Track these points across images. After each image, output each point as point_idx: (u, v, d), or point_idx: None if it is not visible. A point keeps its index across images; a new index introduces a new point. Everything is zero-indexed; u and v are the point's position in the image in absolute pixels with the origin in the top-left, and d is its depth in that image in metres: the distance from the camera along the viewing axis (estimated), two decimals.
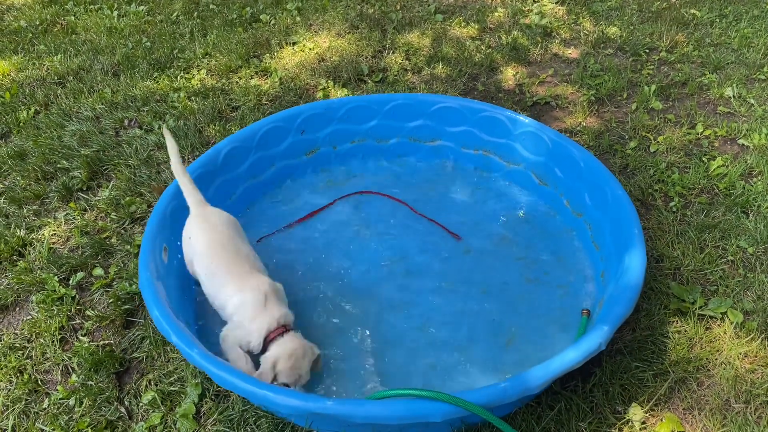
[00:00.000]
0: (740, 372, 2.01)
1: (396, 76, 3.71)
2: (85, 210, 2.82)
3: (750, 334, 2.11)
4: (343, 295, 2.34)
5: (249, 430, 1.89)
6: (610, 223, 2.32)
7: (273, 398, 1.68)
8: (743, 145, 3.00)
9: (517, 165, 2.79)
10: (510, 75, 3.72)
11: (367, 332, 2.21)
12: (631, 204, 2.26)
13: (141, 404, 2.00)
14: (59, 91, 3.75)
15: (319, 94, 3.55)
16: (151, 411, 1.98)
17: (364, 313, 2.28)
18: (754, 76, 3.53)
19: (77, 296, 2.40)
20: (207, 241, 2.12)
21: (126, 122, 3.40)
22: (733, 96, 3.35)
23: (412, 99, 2.92)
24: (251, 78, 3.78)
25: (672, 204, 2.67)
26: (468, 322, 2.24)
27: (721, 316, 2.18)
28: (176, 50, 4.14)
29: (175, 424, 1.93)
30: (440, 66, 3.78)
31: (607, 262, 2.28)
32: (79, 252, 2.59)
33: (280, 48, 4.09)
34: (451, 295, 2.34)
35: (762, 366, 2.02)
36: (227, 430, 1.89)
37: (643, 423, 1.89)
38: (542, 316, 2.26)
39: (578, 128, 3.21)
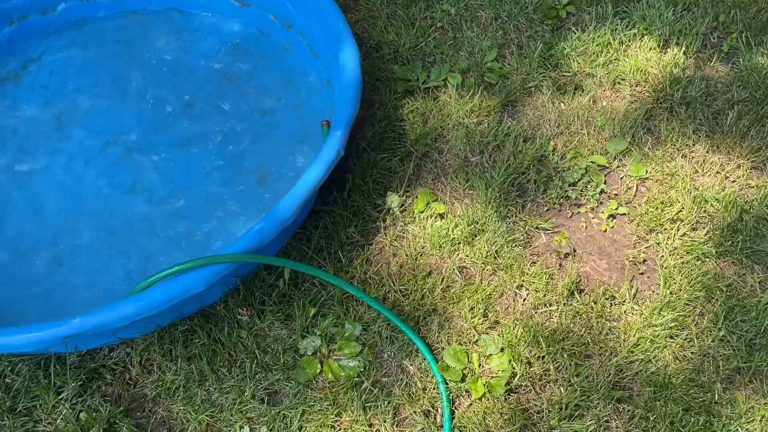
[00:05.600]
0: (470, 128, 2.14)
1: None
2: None
3: (470, 90, 2.23)
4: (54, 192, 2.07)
5: (8, 381, 1.67)
6: (319, 26, 2.21)
7: (8, 342, 1.46)
8: None
9: None
10: None
11: (108, 227, 2.00)
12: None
13: None
14: None
15: None
16: None
17: (105, 204, 2.05)
18: None
19: None
20: None
21: None
22: None
23: None
24: None
25: None
26: (210, 175, 2.10)
27: (443, 83, 2.26)
28: None
29: None
30: None
31: (328, 67, 2.21)
32: None
33: None
34: (188, 156, 2.16)
35: (486, 116, 2.17)
36: None
37: (402, 206, 1.98)
38: (287, 142, 2.19)
39: None
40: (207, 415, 1.64)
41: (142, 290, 1.64)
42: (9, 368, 1.68)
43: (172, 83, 2.34)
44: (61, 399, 1.65)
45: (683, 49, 2.29)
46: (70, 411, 1.64)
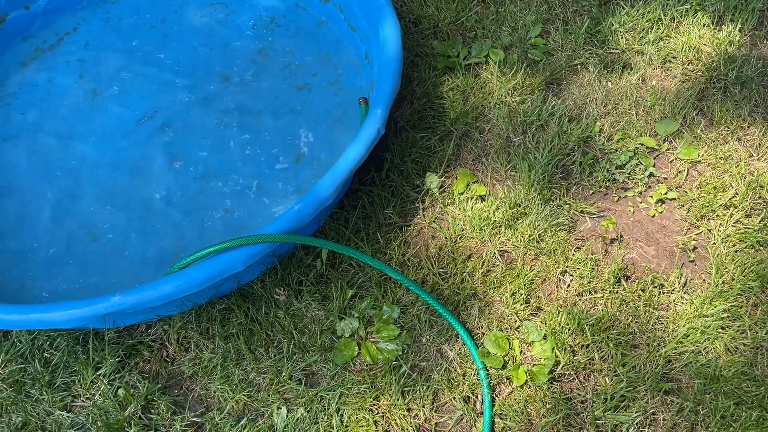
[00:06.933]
0: (513, 107, 2.07)
1: None
2: None
3: (513, 68, 2.15)
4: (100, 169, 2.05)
5: (47, 355, 1.67)
6: (358, 0, 2.15)
7: (48, 318, 1.46)
8: None
9: None
10: None
11: (144, 203, 1.98)
12: None
13: None
14: None
15: None
16: None
17: (140, 180, 2.03)
18: None
19: None
20: None
21: None
22: None
23: None
24: None
25: None
26: (247, 153, 2.07)
27: (485, 59, 2.19)
28: None
29: None
30: None
31: (367, 42, 2.15)
32: None
33: None
34: (224, 132, 2.12)
35: (529, 94, 2.10)
36: (23, 366, 1.66)
37: (441, 187, 1.93)
38: (324, 120, 2.14)
39: None
40: (244, 395, 1.63)
41: (180, 269, 1.62)
42: (48, 343, 1.69)
43: (207, 58, 2.30)
44: (99, 375, 1.65)
45: (738, 26, 2.18)
46: (108, 387, 1.64)
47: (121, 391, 1.63)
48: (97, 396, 1.63)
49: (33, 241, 1.93)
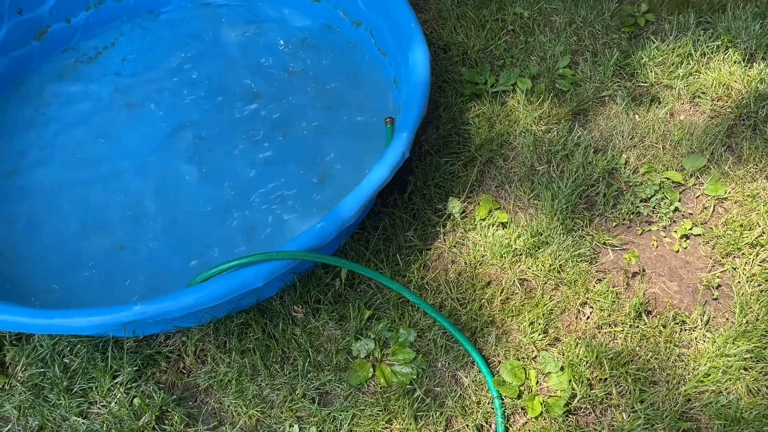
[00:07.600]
0: (538, 135, 2.07)
1: None
2: None
3: (540, 97, 2.16)
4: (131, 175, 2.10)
5: (66, 361, 1.70)
6: (389, 25, 2.18)
7: (70, 324, 1.49)
8: None
9: None
10: None
11: (171, 215, 2.02)
12: None
13: None
14: None
15: None
16: None
17: (168, 192, 2.07)
18: None
19: None
20: None
21: None
22: None
23: None
24: None
25: None
26: (273, 170, 2.10)
27: (512, 87, 2.20)
28: None
29: None
30: None
31: (396, 66, 2.18)
32: None
33: None
34: (252, 148, 2.16)
35: (555, 124, 2.10)
36: (43, 370, 1.68)
37: (463, 212, 1.93)
38: (349, 140, 2.17)
39: None
40: (257, 411, 1.63)
41: (202, 281, 1.64)
42: (68, 348, 1.71)
43: (240, 76, 2.35)
44: (116, 383, 1.67)
45: None
46: (125, 395, 1.66)
47: (136, 400, 1.65)
48: (113, 404, 1.65)
49: (61, 248, 1.97)
